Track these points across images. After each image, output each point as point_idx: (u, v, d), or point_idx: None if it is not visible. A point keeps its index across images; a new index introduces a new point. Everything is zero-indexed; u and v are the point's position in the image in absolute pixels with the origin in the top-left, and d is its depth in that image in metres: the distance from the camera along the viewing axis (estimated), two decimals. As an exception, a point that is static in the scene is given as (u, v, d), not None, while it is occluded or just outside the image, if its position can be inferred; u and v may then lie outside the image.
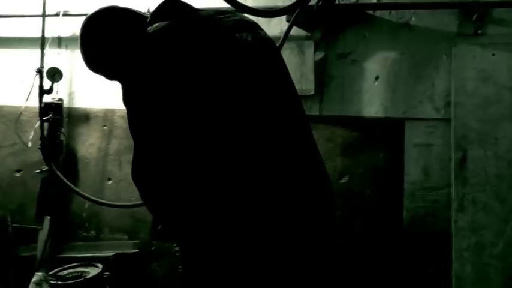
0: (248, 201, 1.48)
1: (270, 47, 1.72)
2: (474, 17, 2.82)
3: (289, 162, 1.56)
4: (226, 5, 2.45)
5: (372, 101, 3.01)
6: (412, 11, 2.94)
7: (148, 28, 1.61)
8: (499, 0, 2.83)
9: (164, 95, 1.49)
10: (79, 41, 1.81)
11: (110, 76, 1.82)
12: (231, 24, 1.64)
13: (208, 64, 1.52)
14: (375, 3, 3.01)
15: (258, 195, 1.49)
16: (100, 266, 2.95)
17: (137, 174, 1.58)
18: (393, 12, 2.97)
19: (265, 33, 1.73)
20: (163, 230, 1.72)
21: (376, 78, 3.01)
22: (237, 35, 1.61)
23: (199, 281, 1.60)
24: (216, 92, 1.50)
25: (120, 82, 1.66)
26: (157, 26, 1.59)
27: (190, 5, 1.70)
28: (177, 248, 3.07)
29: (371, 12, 3.01)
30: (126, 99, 1.57)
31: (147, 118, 1.52)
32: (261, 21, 3.03)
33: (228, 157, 1.48)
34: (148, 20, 1.68)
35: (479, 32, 2.85)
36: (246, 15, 1.96)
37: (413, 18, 2.95)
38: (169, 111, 1.49)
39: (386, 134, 3.01)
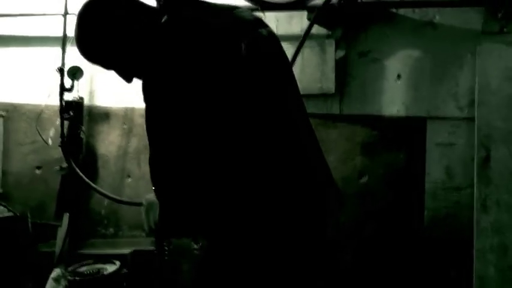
0: (251, 201, 1.46)
1: (279, 44, 1.69)
2: (499, 14, 2.80)
3: (296, 160, 1.53)
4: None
5: (394, 99, 2.98)
6: (436, 8, 2.91)
7: (165, 17, 1.54)
8: (525, -3, 2.79)
9: (186, 89, 1.45)
10: (76, 22, 1.62)
11: (107, 65, 1.69)
12: (252, 19, 1.62)
13: (237, 59, 1.49)
14: (397, 0, 2.98)
15: (261, 194, 1.46)
16: (118, 262, 2.95)
17: (153, 170, 1.53)
18: (417, 10, 2.95)
19: (271, 29, 1.69)
20: (162, 225, 1.67)
21: (398, 76, 2.98)
22: (259, 30, 1.59)
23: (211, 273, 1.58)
24: (243, 88, 1.47)
25: (116, 71, 1.64)
26: (173, 17, 1.53)
27: None
28: (195, 246, 3.10)
29: (394, 10, 2.98)
30: (144, 91, 1.51)
31: (161, 112, 1.47)
32: (282, 20, 3.09)
33: (238, 153, 1.46)
34: (159, 8, 1.61)
35: (505, 30, 2.82)
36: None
37: (437, 16, 2.92)
38: (194, 104, 1.45)
39: (408, 133, 2.99)
